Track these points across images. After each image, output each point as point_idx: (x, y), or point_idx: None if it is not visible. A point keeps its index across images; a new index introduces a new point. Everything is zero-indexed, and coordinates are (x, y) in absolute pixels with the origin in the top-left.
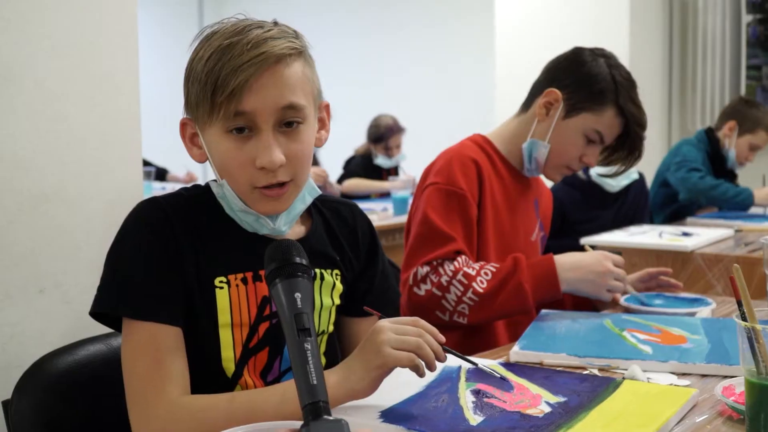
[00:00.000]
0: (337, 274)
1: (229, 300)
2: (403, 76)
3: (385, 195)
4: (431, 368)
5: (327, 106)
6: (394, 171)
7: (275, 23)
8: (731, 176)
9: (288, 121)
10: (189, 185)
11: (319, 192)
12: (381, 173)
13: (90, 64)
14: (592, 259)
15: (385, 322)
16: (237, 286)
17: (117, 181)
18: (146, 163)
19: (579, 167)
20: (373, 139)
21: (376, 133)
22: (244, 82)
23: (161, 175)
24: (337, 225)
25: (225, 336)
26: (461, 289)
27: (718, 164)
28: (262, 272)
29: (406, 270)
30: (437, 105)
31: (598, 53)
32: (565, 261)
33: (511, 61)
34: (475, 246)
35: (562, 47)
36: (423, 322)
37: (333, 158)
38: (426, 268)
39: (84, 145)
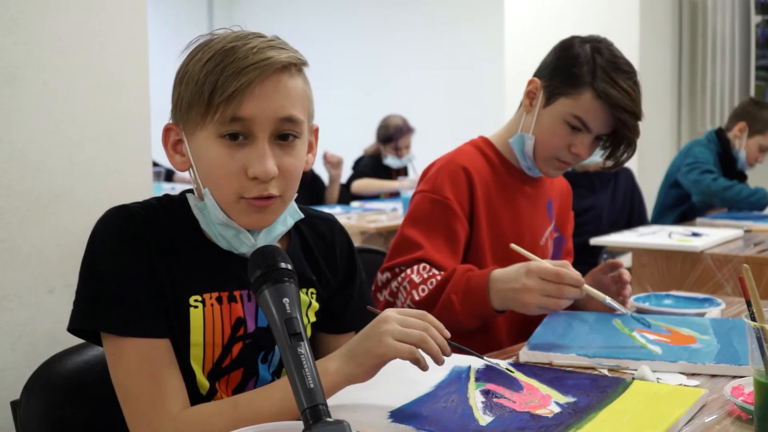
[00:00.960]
0: (312, 293)
1: (203, 320)
2: (412, 76)
3: (394, 195)
4: (437, 362)
5: (317, 130)
6: (403, 171)
7: (276, 38)
8: (741, 177)
9: (284, 134)
10: (161, 195)
11: (302, 215)
12: (390, 173)
13: (99, 64)
14: (514, 274)
15: (392, 312)
16: (212, 305)
17: (126, 182)
18: (154, 164)
19: (572, 159)
20: (382, 140)
21: (385, 133)
22: (246, 85)
23: (169, 176)
24: (314, 242)
25: (196, 354)
26: (405, 295)
27: (729, 165)
28: (237, 293)
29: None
30: (446, 106)
31: (588, 39)
32: (499, 274)
33: (521, 62)
34: (461, 256)
35: None
36: (430, 317)
37: (344, 158)
38: (387, 275)
39: (93, 146)
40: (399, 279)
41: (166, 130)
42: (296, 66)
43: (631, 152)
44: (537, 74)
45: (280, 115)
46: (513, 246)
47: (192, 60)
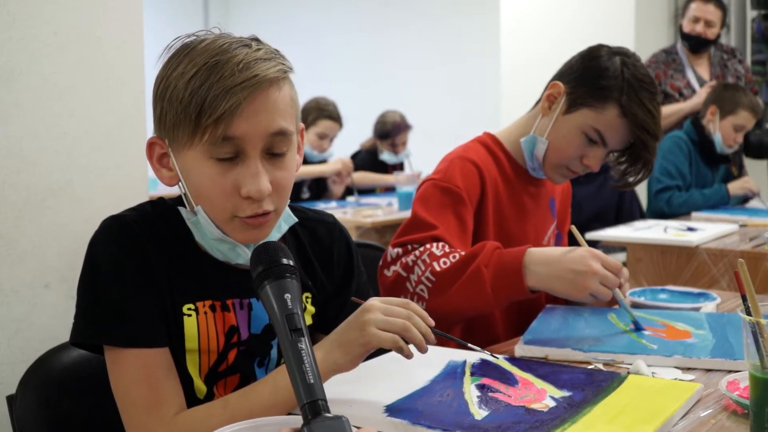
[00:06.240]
0: (307, 297)
1: (197, 327)
2: (408, 71)
3: (390, 190)
4: (421, 350)
5: (302, 131)
6: (399, 167)
7: (258, 41)
8: (724, 160)
9: (276, 150)
10: (155, 199)
11: (295, 220)
12: (386, 168)
13: (95, 59)
14: (576, 255)
15: (376, 301)
16: (205, 313)
17: (123, 177)
18: None
19: (581, 169)
20: (379, 135)
21: (382, 129)
22: (236, 106)
23: None
24: (311, 247)
25: (192, 359)
26: (422, 268)
27: (709, 151)
28: (229, 301)
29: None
30: (442, 100)
31: (617, 51)
32: (539, 253)
33: (517, 58)
34: (470, 244)
35: (567, 43)
36: (414, 305)
37: (339, 153)
38: (398, 249)
39: (90, 140)
40: (417, 253)
41: (150, 144)
42: (283, 78)
43: (647, 173)
44: (559, 78)
45: (271, 131)
46: (572, 228)
47: (174, 73)
